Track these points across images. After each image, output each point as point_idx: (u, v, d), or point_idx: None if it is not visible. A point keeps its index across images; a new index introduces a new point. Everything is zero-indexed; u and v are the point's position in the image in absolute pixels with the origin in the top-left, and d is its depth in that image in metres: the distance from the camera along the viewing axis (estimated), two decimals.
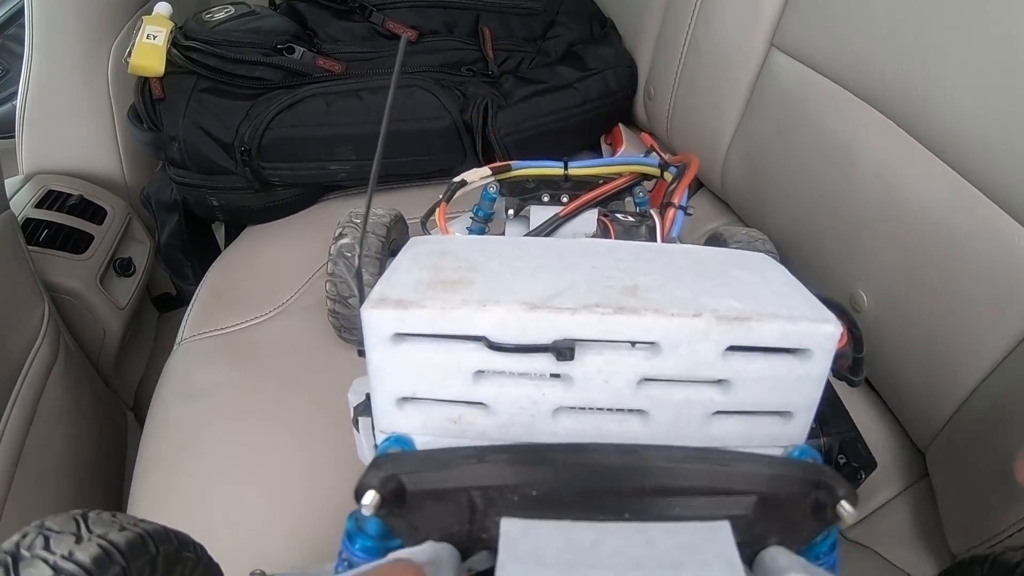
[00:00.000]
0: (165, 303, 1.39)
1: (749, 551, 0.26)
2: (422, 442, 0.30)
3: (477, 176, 0.53)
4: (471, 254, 0.34)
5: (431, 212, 0.51)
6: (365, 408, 0.40)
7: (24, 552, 0.23)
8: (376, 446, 0.31)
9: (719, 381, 0.29)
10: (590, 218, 0.53)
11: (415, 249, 0.35)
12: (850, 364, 0.39)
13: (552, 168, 0.54)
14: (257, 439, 0.73)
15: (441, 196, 0.51)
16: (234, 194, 1.06)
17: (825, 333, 0.28)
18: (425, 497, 0.25)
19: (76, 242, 1.12)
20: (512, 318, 0.27)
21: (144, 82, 1.00)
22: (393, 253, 0.63)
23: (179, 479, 0.71)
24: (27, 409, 0.85)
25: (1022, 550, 0.25)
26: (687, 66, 0.97)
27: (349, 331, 0.72)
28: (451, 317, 0.27)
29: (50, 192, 1.14)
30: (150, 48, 0.96)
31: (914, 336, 0.65)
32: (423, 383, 0.29)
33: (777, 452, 0.30)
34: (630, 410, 0.29)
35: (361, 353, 0.29)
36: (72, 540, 0.24)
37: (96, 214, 1.18)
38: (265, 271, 0.99)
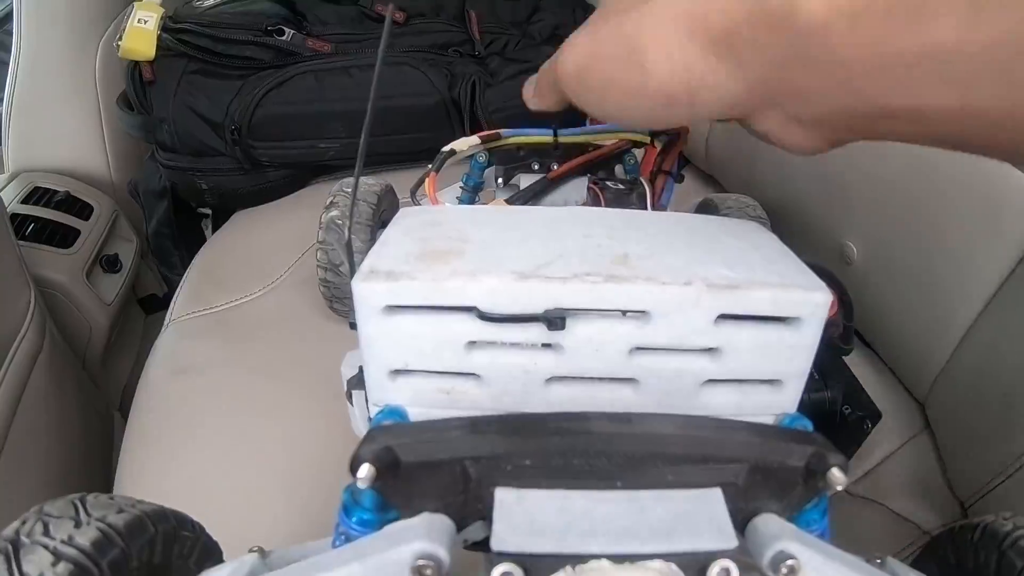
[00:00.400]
0: (152, 305, 1.39)
1: (741, 518, 0.26)
2: (416, 414, 0.30)
3: (466, 145, 0.53)
4: (461, 224, 0.33)
5: (420, 182, 0.51)
6: (358, 381, 0.40)
7: (24, 539, 0.23)
8: (370, 419, 0.31)
9: (710, 349, 0.29)
10: (580, 186, 0.53)
11: (405, 220, 0.35)
12: (841, 332, 0.40)
13: (542, 136, 0.54)
14: (250, 414, 0.73)
15: (430, 166, 0.51)
16: (223, 176, 1.06)
17: (816, 301, 0.28)
18: (419, 468, 0.25)
19: (63, 237, 1.12)
20: (503, 288, 0.27)
21: (134, 66, 1.00)
22: (383, 225, 0.63)
23: (169, 455, 0.71)
24: (12, 395, 0.85)
25: (1012, 518, 0.25)
26: None
27: (340, 300, 0.72)
28: (442, 288, 0.27)
29: (36, 188, 1.14)
30: (141, 32, 0.97)
31: (905, 284, 0.66)
32: (415, 355, 0.29)
33: (768, 420, 0.31)
34: (622, 379, 0.29)
35: (353, 326, 0.29)
36: (71, 524, 0.24)
37: (83, 210, 1.18)
38: (255, 252, 0.98)
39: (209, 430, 0.72)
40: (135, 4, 0.98)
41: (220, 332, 0.84)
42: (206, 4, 1.05)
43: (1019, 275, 0.54)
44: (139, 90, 1.02)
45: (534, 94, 0.39)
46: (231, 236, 1.06)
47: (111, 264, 1.21)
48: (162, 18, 0.98)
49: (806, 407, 0.42)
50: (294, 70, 1.01)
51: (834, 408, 0.55)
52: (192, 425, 0.73)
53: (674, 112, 0.29)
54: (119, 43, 0.96)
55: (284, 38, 1.02)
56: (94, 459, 1.04)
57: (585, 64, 0.31)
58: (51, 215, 1.12)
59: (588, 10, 1.18)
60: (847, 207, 0.71)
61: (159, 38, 0.97)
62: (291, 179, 1.09)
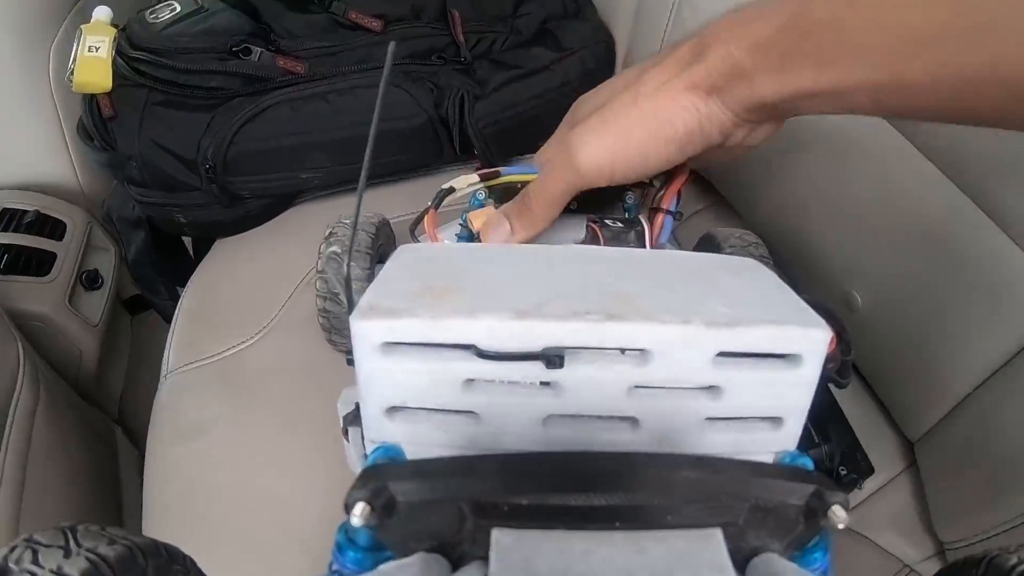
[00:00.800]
0: (136, 306, 1.35)
1: (741, 558, 0.26)
2: (412, 451, 0.30)
3: (465, 183, 0.53)
4: (460, 262, 0.33)
5: (420, 219, 0.51)
6: (354, 418, 0.39)
7: (12, 566, 0.23)
8: (366, 456, 0.30)
9: (710, 387, 0.29)
10: (578, 224, 0.53)
11: (404, 257, 0.35)
12: (839, 367, 0.40)
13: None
14: (261, 471, 0.72)
15: (429, 203, 0.51)
16: (202, 210, 0.98)
17: (815, 338, 0.28)
18: (415, 508, 0.25)
19: (38, 263, 1.06)
20: (501, 326, 0.27)
21: (92, 99, 0.92)
22: (381, 259, 0.63)
23: (189, 522, 0.71)
24: (20, 455, 0.83)
25: (1017, 552, 0.25)
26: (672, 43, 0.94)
27: (339, 332, 0.71)
28: (441, 326, 0.27)
29: (3, 211, 1.07)
30: (93, 62, 0.88)
31: (907, 340, 0.67)
32: (413, 392, 0.29)
33: (768, 458, 0.30)
34: (621, 417, 0.29)
35: (350, 362, 0.29)
36: (61, 554, 0.23)
37: (55, 228, 1.10)
38: (244, 287, 0.94)
39: (223, 493, 0.72)
40: (82, 28, 0.89)
41: (221, 384, 0.82)
42: (162, 18, 0.93)
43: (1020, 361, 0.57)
44: (99, 125, 0.92)
45: (521, 215, 0.48)
46: (216, 269, 1.01)
47: (92, 281, 1.15)
48: (114, 40, 0.89)
49: None
50: (267, 100, 0.91)
51: (831, 465, 0.55)
52: (205, 491, 0.73)
53: (692, 144, 0.43)
54: (71, 77, 0.87)
55: (252, 58, 0.92)
56: (105, 492, 1.02)
57: (617, 147, 0.43)
58: (23, 240, 1.05)
59: (580, 3, 1.11)
60: (855, 257, 0.71)
61: (114, 63, 0.88)
62: (273, 205, 1.02)
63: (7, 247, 1.04)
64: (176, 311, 0.96)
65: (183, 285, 1.02)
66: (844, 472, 0.55)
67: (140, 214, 1.04)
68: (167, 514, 0.73)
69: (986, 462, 0.60)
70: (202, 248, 1.10)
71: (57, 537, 0.24)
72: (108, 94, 0.89)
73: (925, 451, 0.69)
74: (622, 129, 0.43)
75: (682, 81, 0.41)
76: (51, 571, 0.23)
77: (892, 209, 0.66)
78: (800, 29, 0.36)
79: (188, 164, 0.91)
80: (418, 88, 0.95)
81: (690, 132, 0.42)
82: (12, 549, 0.23)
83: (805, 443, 0.31)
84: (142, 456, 0.93)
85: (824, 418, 0.56)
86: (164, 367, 0.88)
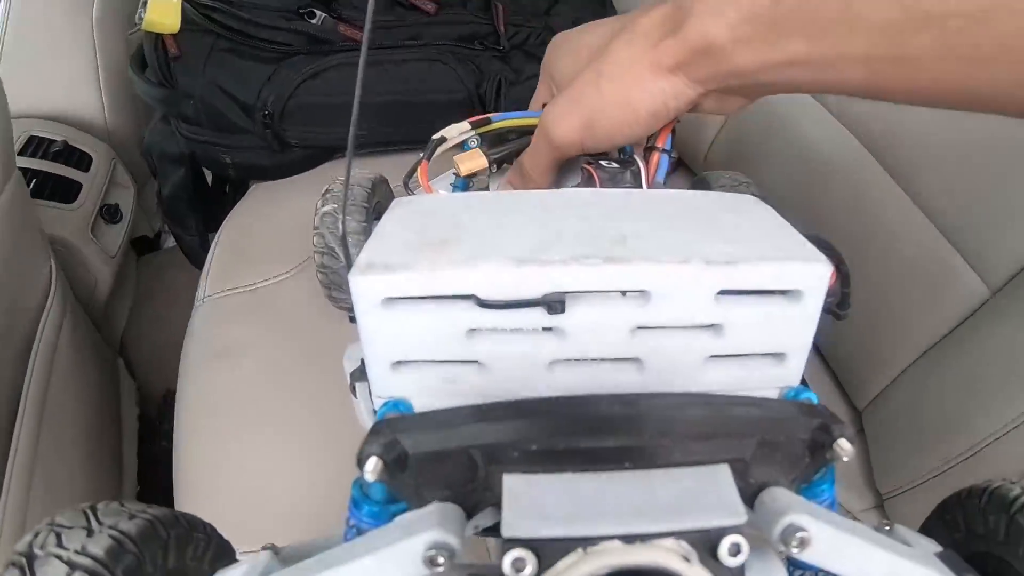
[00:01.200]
0: (143, 246, 1.42)
1: (749, 492, 0.26)
2: (420, 404, 0.30)
3: (457, 131, 0.52)
4: (456, 212, 0.33)
5: (413, 171, 0.51)
6: (361, 374, 0.40)
7: (38, 551, 0.23)
8: (375, 411, 0.31)
9: (712, 326, 0.29)
10: (574, 167, 0.53)
11: (399, 210, 0.35)
12: (839, 300, 0.40)
13: (532, 118, 0.54)
14: (290, 396, 0.76)
15: (422, 154, 0.50)
16: (249, 152, 1.09)
17: (816, 273, 0.28)
18: (427, 459, 0.25)
19: (65, 191, 1.11)
20: (501, 274, 0.27)
21: (157, 37, 0.99)
22: (378, 216, 0.63)
23: (218, 438, 0.75)
24: (45, 368, 0.87)
25: (1020, 482, 0.25)
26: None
27: (339, 287, 0.71)
28: (440, 277, 0.27)
29: (32, 138, 1.12)
30: (165, 3, 0.94)
31: (860, 322, 0.79)
32: (416, 346, 0.29)
33: (773, 394, 0.31)
34: (625, 359, 0.29)
35: (352, 320, 0.29)
36: (84, 534, 0.24)
37: (81, 160, 1.17)
38: (279, 228, 1.00)
39: (256, 416, 0.75)
40: None
41: (254, 312, 0.87)
42: None
43: (954, 338, 0.70)
44: (161, 63, 1.01)
45: (524, 183, 0.50)
46: (252, 209, 1.09)
47: (112, 215, 1.22)
48: None
49: None
50: (328, 62, 1.03)
51: None
52: (239, 410, 0.76)
53: (658, 120, 0.44)
54: (141, 15, 0.93)
55: (315, 22, 1.03)
56: (111, 410, 1.09)
57: (585, 126, 0.44)
58: (51, 167, 1.10)
59: (604, 4, 1.24)
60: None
61: (184, 9, 0.95)
62: (313, 157, 1.12)
63: (36, 172, 1.09)
64: (213, 243, 1.02)
65: (210, 224, 1.13)
66: None
67: (183, 151, 1.13)
68: (198, 430, 0.77)
69: (918, 423, 0.72)
70: (234, 191, 1.20)
71: (78, 518, 0.24)
72: (174, 35, 0.98)
73: (870, 417, 0.81)
74: (587, 111, 0.44)
75: (648, 60, 0.41)
76: (76, 551, 0.23)
77: (860, 219, 0.79)
78: (800, 1, 0.35)
79: (246, 109, 1.03)
80: (463, 68, 1.06)
81: (655, 112, 0.43)
82: (36, 535, 0.24)
83: None
84: (139, 389, 1.07)
85: None
86: (200, 292, 0.93)
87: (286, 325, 0.84)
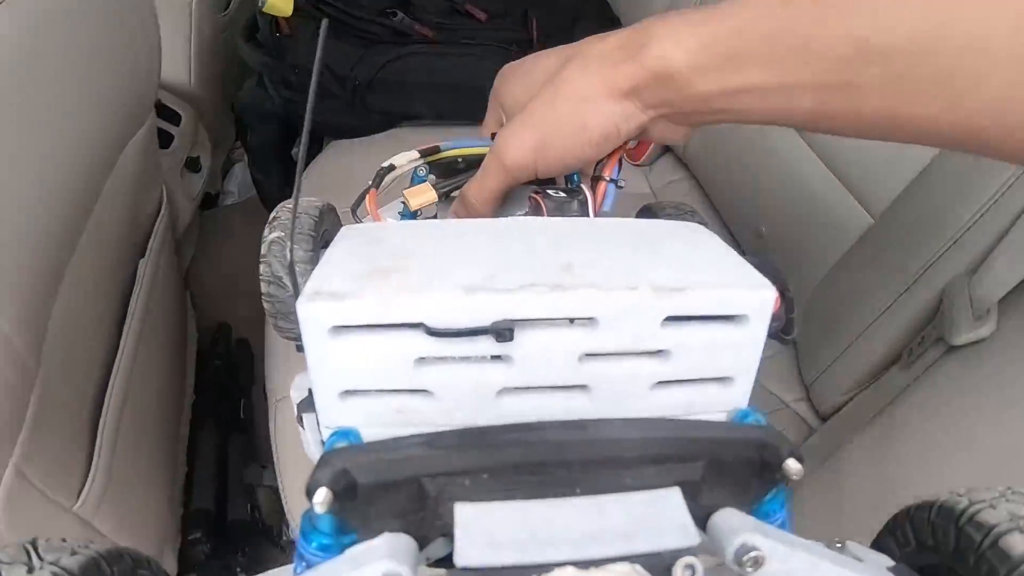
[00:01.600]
0: (206, 202, 1.73)
1: (701, 514, 0.26)
2: (369, 434, 0.30)
3: (405, 160, 0.52)
4: (404, 240, 0.33)
5: (361, 199, 0.51)
6: (308, 404, 0.39)
7: None
8: (323, 442, 0.30)
9: (659, 352, 0.29)
10: (520, 196, 0.53)
11: (347, 239, 0.34)
12: (783, 325, 0.40)
13: (480, 147, 0.54)
14: None
15: (370, 183, 0.50)
16: (333, 115, 1.43)
17: (761, 298, 0.28)
18: (377, 489, 0.25)
19: (161, 139, 1.31)
20: (449, 302, 0.27)
21: (272, 19, 1.34)
22: (325, 244, 0.62)
23: None
24: (150, 279, 1.06)
25: (966, 494, 0.26)
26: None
27: (285, 317, 0.70)
28: (388, 305, 0.27)
29: None
30: None
31: (794, 251, 1.04)
32: (365, 375, 0.28)
33: (721, 417, 0.31)
34: (573, 386, 0.29)
35: (300, 348, 0.29)
36: (24, 570, 0.23)
37: (172, 116, 1.45)
38: (356, 181, 1.11)
39: None
40: None
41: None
42: None
43: (844, 261, 0.95)
44: (273, 38, 1.38)
45: (468, 213, 0.51)
46: (331, 162, 1.36)
47: (194, 166, 1.52)
48: None
49: None
50: (405, 50, 1.39)
51: None
52: None
53: (609, 143, 0.45)
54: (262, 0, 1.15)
55: (396, 19, 1.40)
56: (180, 333, 1.30)
57: (538, 147, 0.45)
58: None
59: (616, 24, 1.47)
60: (765, 203, 1.12)
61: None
62: (384, 121, 1.44)
63: None
64: (295, 186, 1.15)
65: (287, 175, 1.54)
66: None
67: (277, 110, 1.50)
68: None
69: (828, 322, 0.94)
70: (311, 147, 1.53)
71: (20, 553, 0.24)
72: (286, 18, 1.32)
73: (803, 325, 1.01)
74: (541, 133, 0.45)
75: (604, 84, 0.43)
76: None
77: (793, 180, 1.04)
78: (756, 31, 0.38)
79: (339, 80, 1.39)
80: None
81: (607, 135, 0.44)
82: None
83: None
84: (195, 319, 1.39)
85: None
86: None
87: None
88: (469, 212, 0.50)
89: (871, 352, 0.87)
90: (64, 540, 0.25)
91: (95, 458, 0.82)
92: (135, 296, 1.00)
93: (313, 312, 0.27)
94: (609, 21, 1.53)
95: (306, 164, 1.30)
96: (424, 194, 0.51)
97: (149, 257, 1.07)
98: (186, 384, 1.30)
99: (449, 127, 1.41)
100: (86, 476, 0.81)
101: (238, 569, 1.16)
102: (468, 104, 1.28)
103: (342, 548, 0.26)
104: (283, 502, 0.95)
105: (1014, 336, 0.69)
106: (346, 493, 0.25)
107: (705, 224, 0.66)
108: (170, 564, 1.05)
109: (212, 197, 1.76)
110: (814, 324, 0.97)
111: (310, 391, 0.34)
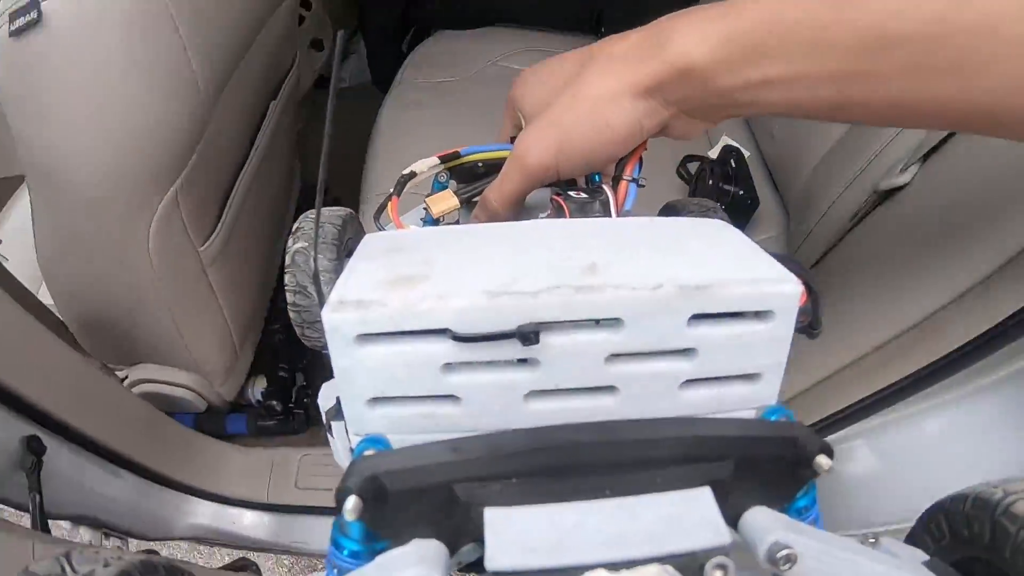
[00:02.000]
0: (319, 82, 1.90)
1: (732, 513, 0.26)
2: (397, 440, 0.30)
3: (426, 166, 0.52)
4: (426, 247, 0.33)
5: (383, 207, 0.51)
6: (337, 412, 0.39)
7: None
8: (352, 449, 0.30)
9: (686, 350, 0.29)
10: (543, 198, 0.53)
11: (370, 247, 0.35)
12: (810, 320, 0.40)
13: (500, 151, 0.54)
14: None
15: (391, 190, 0.50)
16: (443, 7, 1.67)
17: (786, 293, 0.28)
18: (407, 496, 0.25)
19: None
20: (474, 307, 0.27)
21: None
22: (349, 253, 0.62)
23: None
24: (280, 111, 1.28)
25: (1001, 485, 0.25)
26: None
27: (311, 326, 0.70)
28: (413, 313, 0.27)
29: None
30: None
31: (797, 155, 1.17)
32: (392, 382, 0.28)
33: (750, 414, 0.31)
34: (601, 388, 0.29)
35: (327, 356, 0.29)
36: None
37: (304, 3, 1.70)
38: (456, 62, 1.48)
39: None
40: None
41: (435, 102, 1.37)
42: None
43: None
44: None
45: (489, 218, 0.51)
46: (440, 45, 1.57)
47: (317, 46, 1.81)
48: None
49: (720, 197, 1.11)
50: None
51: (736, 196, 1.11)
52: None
53: (633, 141, 0.45)
54: None
55: None
56: (286, 191, 1.52)
57: (560, 148, 0.45)
58: None
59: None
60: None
61: None
62: (481, 17, 1.61)
63: None
64: (411, 54, 1.55)
65: (394, 60, 1.61)
66: (741, 193, 1.15)
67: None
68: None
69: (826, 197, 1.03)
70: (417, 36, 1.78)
71: (54, 566, 0.24)
72: None
73: (793, 201, 1.18)
74: (564, 134, 0.45)
75: (626, 82, 0.43)
76: None
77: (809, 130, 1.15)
78: (777, 24, 0.38)
79: None
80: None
81: (630, 133, 0.44)
82: None
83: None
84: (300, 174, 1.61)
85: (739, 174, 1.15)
86: (398, 77, 1.47)
87: (461, 117, 1.29)
88: (490, 216, 0.50)
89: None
90: (96, 551, 0.25)
91: (223, 218, 1.08)
92: (266, 121, 1.23)
93: (338, 321, 0.27)
94: None
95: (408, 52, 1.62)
96: (446, 201, 0.51)
97: (279, 100, 1.28)
98: (287, 220, 1.50)
99: (539, 32, 1.61)
100: (214, 230, 1.06)
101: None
102: (558, 9, 1.60)
103: (373, 555, 0.26)
104: None
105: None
106: (376, 500, 0.25)
107: (728, 220, 0.66)
108: (247, 355, 1.31)
109: (324, 80, 1.92)
110: (801, 202, 1.13)
111: (338, 399, 0.34)
